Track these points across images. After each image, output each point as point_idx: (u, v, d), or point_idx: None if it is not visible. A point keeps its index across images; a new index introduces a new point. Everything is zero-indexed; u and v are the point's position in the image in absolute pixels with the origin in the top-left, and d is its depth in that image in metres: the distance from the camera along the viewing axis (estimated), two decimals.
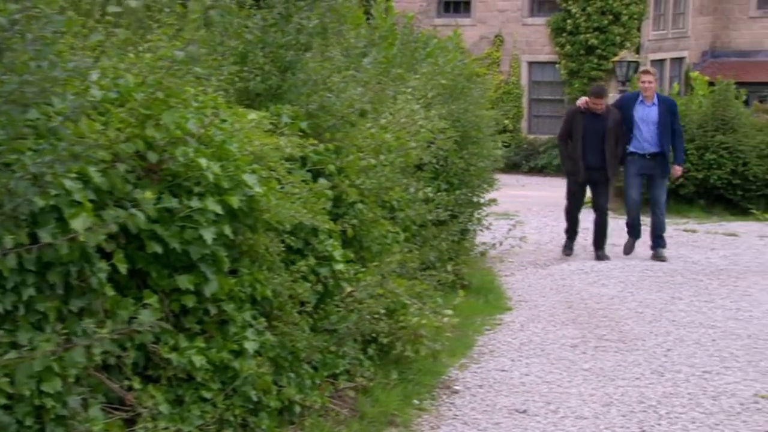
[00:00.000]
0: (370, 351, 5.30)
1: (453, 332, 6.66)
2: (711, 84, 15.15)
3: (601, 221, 10.25)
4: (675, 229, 12.62)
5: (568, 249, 10.56)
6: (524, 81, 27.08)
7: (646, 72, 10.36)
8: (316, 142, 4.65)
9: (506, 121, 26.68)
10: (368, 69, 5.73)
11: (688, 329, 7.07)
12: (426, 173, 7.42)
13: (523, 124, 27.26)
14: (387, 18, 9.85)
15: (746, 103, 16.71)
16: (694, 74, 16.18)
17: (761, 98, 17.95)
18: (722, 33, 28.09)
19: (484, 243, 8.90)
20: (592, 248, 10.35)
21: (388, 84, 6.03)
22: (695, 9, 27.31)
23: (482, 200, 8.48)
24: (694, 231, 12.59)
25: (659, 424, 4.94)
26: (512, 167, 25.75)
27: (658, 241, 10.24)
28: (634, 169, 10.16)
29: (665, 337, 6.80)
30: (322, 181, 5.18)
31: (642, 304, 7.96)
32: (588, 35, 25.32)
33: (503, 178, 23.68)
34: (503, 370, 5.93)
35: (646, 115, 9.97)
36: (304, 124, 5.09)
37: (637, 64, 16.85)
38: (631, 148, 10.05)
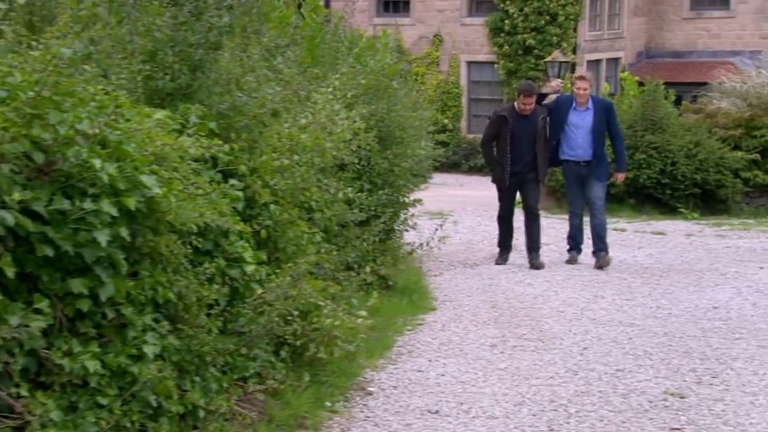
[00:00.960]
0: (283, 353, 5.25)
1: (373, 333, 6.65)
2: (641, 84, 15.36)
3: (533, 224, 9.80)
4: None
5: (501, 259, 9.98)
6: (463, 81, 27.24)
7: (581, 78, 9.90)
8: (221, 142, 4.58)
9: (445, 121, 26.88)
10: (281, 68, 5.66)
11: (606, 327, 7.15)
12: (348, 173, 7.39)
13: (463, 124, 27.42)
14: (315, 17, 9.80)
15: (678, 103, 17.01)
16: (624, 74, 16.40)
17: (693, 98, 18.26)
18: (656, 34, 28.56)
19: (408, 243, 8.89)
20: (524, 249, 9.93)
21: (303, 84, 5.98)
22: (630, 10, 27.72)
23: (407, 200, 8.46)
24: (623, 230, 12.76)
25: (568, 423, 4.98)
26: (452, 166, 25.90)
27: (599, 244, 9.79)
28: (571, 177, 9.86)
29: (583, 336, 6.86)
30: (232, 182, 5.13)
31: (564, 303, 8.03)
32: (525, 35, 25.56)
33: (443, 178, 24.06)
34: (419, 371, 5.93)
35: (580, 121, 9.63)
36: (213, 124, 5.02)
37: (569, 64, 17.01)
38: (564, 155, 9.74)
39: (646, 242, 11.73)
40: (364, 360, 5.97)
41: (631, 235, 12.30)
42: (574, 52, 26.17)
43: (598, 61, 27.31)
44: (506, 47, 26.01)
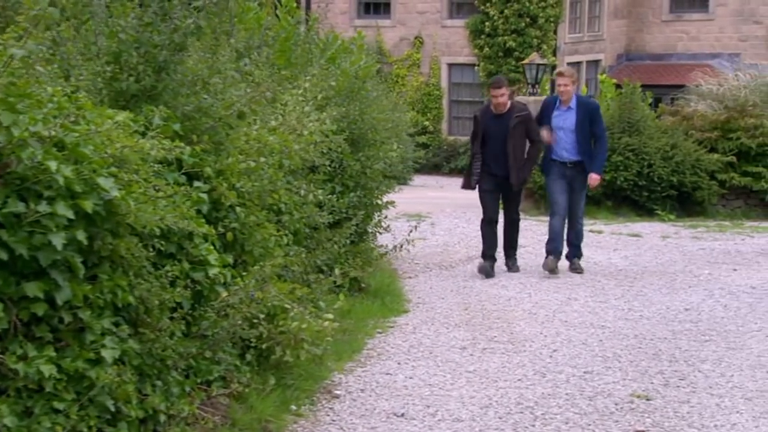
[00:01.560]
0: (249, 356, 5.22)
1: (343, 336, 6.64)
2: (618, 87, 15.41)
3: (510, 226, 9.56)
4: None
5: (483, 270, 9.29)
6: (444, 83, 27.28)
7: (561, 74, 9.43)
8: (183, 144, 4.55)
9: (426, 123, 26.91)
10: (248, 70, 5.64)
11: (577, 330, 7.15)
12: (320, 176, 7.37)
13: (444, 126, 27.46)
14: (290, 19, 9.77)
15: (657, 105, 17.08)
16: (602, 77, 16.45)
17: (672, 100, 18.35)
18: (636, 36, 28.69)
19: (381, 246, 8.87)
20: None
21: (271, 85, 5.96)
22: (610, 12, 27.84)
23: (380, 202, 8.45)
24: (600, 232, 12.78)
25: (533, 426, 4.98)
26: (433, 168, 25.95)
27: (574, 251, 9.67)
28: (555, 178, 9.38)
29: (554, 338, 6.87)
30: (197, 184, 5.10)
31: (537, 305, 8.03)
32: (506, 37, 25.62)
33: (424, 180, 24.02)
34: (388, 374, 5.91)
35: (563, 120, 9.24)
36: (177, 126, 4.99)
37: (546, 66, 17.05)
38: (551, 155, 9.39)
39: (622, 244, 11.76)
40: (333, 363, 5.95)
41: (607, 237, 12.33)
42: (554, 54, 26.25)
43: (578, 64, 27.39)
44: (487, 49, 26.06)
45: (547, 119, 9.29)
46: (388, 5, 27.73)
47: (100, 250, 4.09)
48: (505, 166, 9.09)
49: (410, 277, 9.44)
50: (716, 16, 27.99)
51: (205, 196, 5.07)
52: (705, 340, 6.87)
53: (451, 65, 27.14)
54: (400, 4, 27.51)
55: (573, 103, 9.25)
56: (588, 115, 9.23)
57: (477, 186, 9.26)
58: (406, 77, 27.27)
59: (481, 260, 9.45)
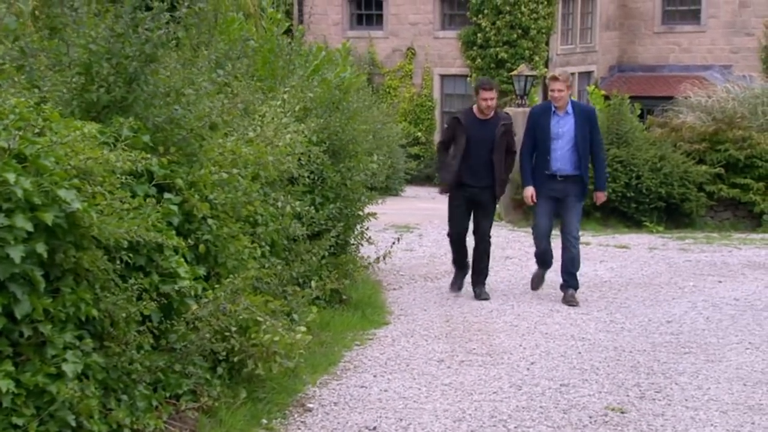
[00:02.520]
0: (220, 370, 5.18)
1: (321, 348, 6.61)
2: (607, 98, 15.42)
3: (482, 249, 8.69)
4: None
5: (455, 285, 8.90)
6: (436, 94, 27.30)
7: (555, 78, 8.39)
8: (149, 155, 4.52)
9: (419, 134, 26.92)
10: (221, 81, 5.62)
11: (557, 342, 7.12)
12: (299, 187, 7.35)
13: (436, 137, 27.42)
14: (275, 30, 9.76)
15: (644, 117, 17.09)
16: (590, 88, 16.46)
17: (662, 111, 18.37)
18: (629, 48, 28.75)
19: (363, 257, 8.83)
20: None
21: (245, 97, 5.93)
22: (602, 24, 27.90)
23: (361, 214, 8.41)
24: (587, 243, 12.73)
25: None
26: (425, 179, 25.93)
27: (569, 280, 8.61)
28: (542, 191, 8.41)
29: (533, 351, 6.83)
30: (167, 196, 5.07)
31: (519, 317, 8.00)
32: (498, 49, 25.65)
33: (416, 191, 23.95)
34: (363, 387, 5.87)
35: (561, 127, 8.34)
36: (146, 138, 4.96)
37: (535, 78, 17.06)
38: (545, 169, 8.39)
39: (609, 256, 11.73)
40: (308, 376, 5.91)
41: (594, 249, 12.29)
42: (546, 65, 26.29)
43: (570, 75, 27.41)
44: (479, 60, 26.09)
45: (542, 129, 8.32)
46: (380, 16, 27.77)
47: (63, 263, 4.06)
48: (486, 177, 8.38)
49: (394, 289, 9.40)
50: (708, 28, 28.07)
51: (175, 208, 5.04)
52: (684, 352, 6.84)
53: (443, 76, 27.17)
54: (393, 15, 27.55)
55: (569, 109, 8.38)
56: (587, 120, 8.43)
57: (449, 193, 8.62)
58: (399, 88, 27.30)
59: (453, 275, 8.99)
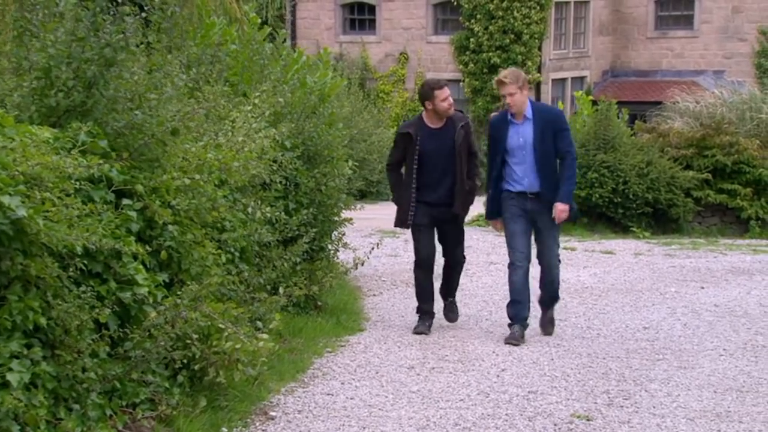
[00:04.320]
0: (181, 378, 5.13)
1: (290, 355, 6.56)
2: (595, 103, 15.40)
3: (453, 271, 7.70)
4: None
5: (420, 327, 7.48)
6: None
7: (501, 82, 7.03)
8: (101, 161, 4.47)
9: None
10: (181, 85, 5.57)
11: (531, 348, 7.06)
12: (272, 193, 7.29)
13: None
14: (254, 35, 9.72)
15: (633, 122, 17.05)
16: (578, 93, 16.43)
17: (651, 115, 18.34)
18: (622, 53, 28.78)
19: (340, 263, 8.77)
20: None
21: (213, 102, 5.88)
22: (595, 29, 27.92)
23: (338, 219, 8.36)
24: (573, 249, 12.70)
25: None
26: None
27: (549, 300, 7.60)
28: (513, 214, 7.19)
29: (505, 357, 6.78)
30: (126, 201, 5.02)
31: (495, 324, 7.94)
32: (491, 54, 25.69)
33: None
34: (329, 394, 5.81)
35: (519, 138, 7.09)
36: (103, 143, 4.92)
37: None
38: (507, 186, 7.22)
39: (593, 261, 11.68)
40: (274, 383, 5.86)
41: (579, 254, 12.25)
42: (539, 71, 26.30)
43: (563, 80, 27.45)
44: (471, 65, 26.12)
45: (501, 142, 7.14)
46: (373, 21, 27.81)
47: (10, 271, 4.01)
48: (448, 193, 7.24)
49: (374, 295, 9.35)
50: (701, 34, 28.10)
51: (134, 214, 4.99)
52: (658, 359, 6.79)
53: None
54: (386, 20, 27.58)
55: (528, 112, 7.08)
56: (550, 125, 7.07)
57: (403, 223, 7.41)
58: (391, 93, 27.31)
59: (417, 320, 7.61)
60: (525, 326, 7.32)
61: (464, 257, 7.73)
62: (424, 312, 7.59)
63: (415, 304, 7.74)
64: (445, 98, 7.21)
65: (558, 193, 7.08)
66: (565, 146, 7.16)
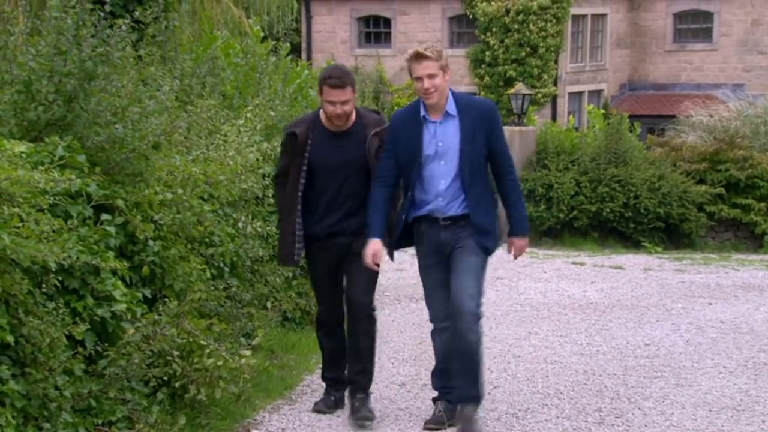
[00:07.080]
0: (161, 395, 5.06)
1: (281, 371, 6.48)
2: (607, 117, 15.27)
3: (359, 333, 5.51)
4: (564, 262, 12.60)
5: (322, 403, 5.64)
6: None
7: (419, 56, 4.98)
8: (72, 176, 4.43)
9: None
10: (162, 99, 5.54)
11: (527, 365, 6.95)
12: (267, 207, 7.25)
13: None
14: (258, 50, 9.71)
15: (649, 135, 16.89)
16: (589, 107, 16.32)
17: (664, 129, 18.17)
18: (640, 66, 28.56)
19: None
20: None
21: (195, 116, 5.85)
22: (612, 42, 27.75)
23: None
24: (582, 264, 12.56)
25: None
26: None
27: (465, 384, 5.30)
28: (427, 253, 5.28)
29: (499, 374, 6.66)
30: (105, 217, 4.98)
31: (494, 340, 7.82)
32: (506, 67, 25.57)
33: None
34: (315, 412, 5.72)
35: (438, 143, 5.10)
36: (81, 158, 4.88)
37: (532, 96, 16.93)
38: (415, 212, 5.21)
39: (601, 277, 11.53)
40: (261, 400, 5.78)
41: (588, 269, 12.10)
42: (555, 84, 26.17)
43: (580, 93, 27.30)
44: (487, 78, 26.02)
45: (408, 146, 5.11)
46: (388, 34, 27.80)
47: None
48: (359, 217, 5.26)
49: (375, 310, 9.25)
50: (720, 47, 27.85)
51: (113, 229, 4.94)
52: (655, 376, 6.65)
53: None
54: (401, 33, 27.56)
55: (451, 108, 5.11)
56: (483, 125, 5.10)
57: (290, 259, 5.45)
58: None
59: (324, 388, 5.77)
60: (449, 394, 5.46)
61: (373, 309, 5.53)
62: (331, 380, 5.71)
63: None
64: (332, 100, 5.17)
65: (511, 224, 5.28)
66: (505, 156, 5.21)
